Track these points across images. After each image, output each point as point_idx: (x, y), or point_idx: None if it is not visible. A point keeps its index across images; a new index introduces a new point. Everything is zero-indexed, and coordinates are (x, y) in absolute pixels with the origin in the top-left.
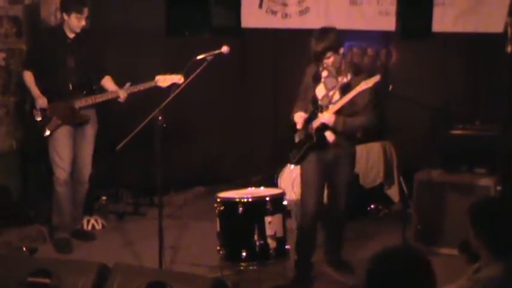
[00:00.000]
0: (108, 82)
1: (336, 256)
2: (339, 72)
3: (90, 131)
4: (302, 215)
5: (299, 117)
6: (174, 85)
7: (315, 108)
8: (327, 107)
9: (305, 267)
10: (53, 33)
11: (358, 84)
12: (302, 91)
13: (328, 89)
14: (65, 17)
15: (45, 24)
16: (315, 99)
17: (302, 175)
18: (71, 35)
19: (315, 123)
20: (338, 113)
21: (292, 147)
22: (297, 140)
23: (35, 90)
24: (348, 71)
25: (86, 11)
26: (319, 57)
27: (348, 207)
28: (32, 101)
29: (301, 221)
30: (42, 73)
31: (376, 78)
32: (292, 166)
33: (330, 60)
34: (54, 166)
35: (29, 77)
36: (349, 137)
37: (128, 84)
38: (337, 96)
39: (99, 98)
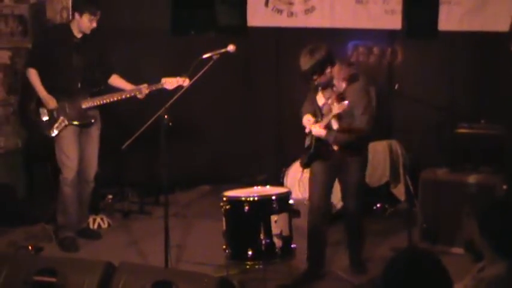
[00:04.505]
0: (117, 80)
1: (353, 254)
2: (330, 85)
3: (95, 131)
4: (309, 211)
5: (306, 121)
6: (179, 87)
7: (318, 116)
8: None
9: (315, 262)
10: (59, 31)
11: (352, 93)
12: (309, 95)
13: (326, 98)
14: (77, 16)
15: (50, 23)
16: (317, 107)
17: (310, 172)
18: (79, 35)
19: (314, 133)
20: (339, 119)
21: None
22: (306, 143)
23: (41, 90)
24: (342, 81)
25: (99, 13)
26: (305, 78)
27: (360, 207)
28: (38, 99)
29: (309, 216)
30: (47, 71)
31: (344, 105)
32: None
33: (316, 81)
34: (62, 166)
35: (33, 75)
36: (357, 145)
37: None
38: (335, 105)
39: (107, 99)
